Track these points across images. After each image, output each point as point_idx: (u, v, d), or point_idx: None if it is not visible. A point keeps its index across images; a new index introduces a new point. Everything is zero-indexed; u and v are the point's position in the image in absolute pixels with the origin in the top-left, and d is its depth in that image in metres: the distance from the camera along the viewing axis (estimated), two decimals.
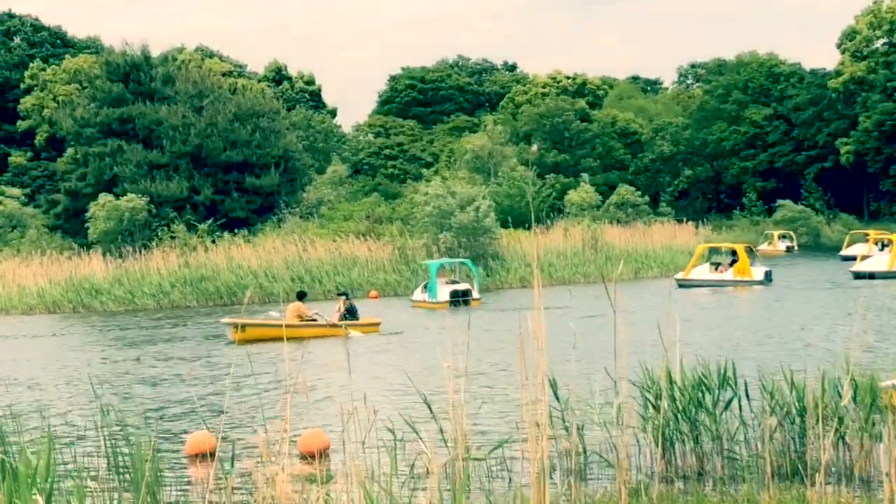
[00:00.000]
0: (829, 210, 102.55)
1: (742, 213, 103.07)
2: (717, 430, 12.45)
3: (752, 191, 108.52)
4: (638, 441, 12.78)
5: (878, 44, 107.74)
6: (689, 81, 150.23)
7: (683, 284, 50.99)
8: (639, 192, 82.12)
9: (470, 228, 54.06)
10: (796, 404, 12.46)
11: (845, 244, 72.93)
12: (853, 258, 66.17)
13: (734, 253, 54.13)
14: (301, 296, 36.00)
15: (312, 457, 14.08)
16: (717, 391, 12.70)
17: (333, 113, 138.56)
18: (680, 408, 12.56)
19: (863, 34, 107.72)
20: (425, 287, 46.71)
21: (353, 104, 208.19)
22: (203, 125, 66.23)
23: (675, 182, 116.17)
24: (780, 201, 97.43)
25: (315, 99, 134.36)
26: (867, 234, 74.44)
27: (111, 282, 53.67)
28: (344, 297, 36.41)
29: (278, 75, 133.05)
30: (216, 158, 66.09)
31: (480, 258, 54.68)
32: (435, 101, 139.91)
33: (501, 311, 40.55)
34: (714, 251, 57.84)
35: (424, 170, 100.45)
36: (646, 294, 44.62)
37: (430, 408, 12.80)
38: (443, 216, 54.63)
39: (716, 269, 53.15)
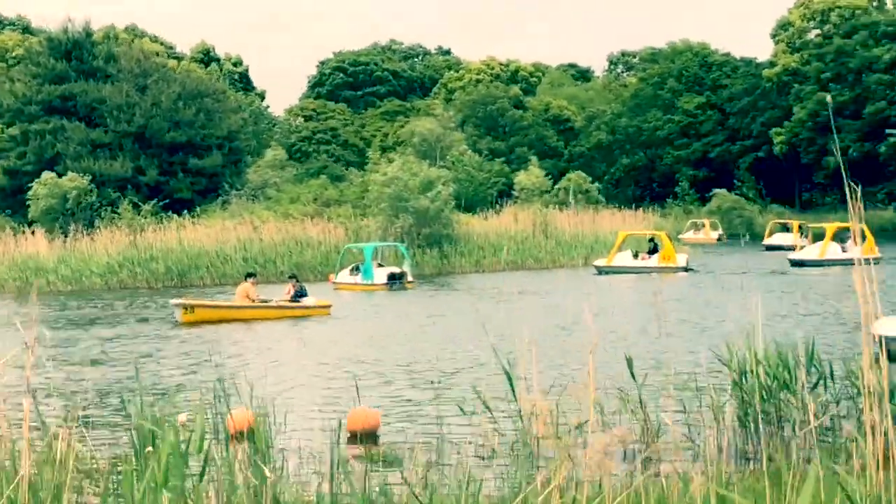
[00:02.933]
0: (761, 200, 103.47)
1: (675, 202, 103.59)
2: (805, 411, 12.05)
3: (685, 180, 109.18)
4: (718, 422, 12.44)
5: (812, 35, 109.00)
6: (619, 70, 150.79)
7: (604, 271, 51.18)
8: (590, 179, 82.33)
9: (429, 213, 53.69)
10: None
11: (767, 233, 73.68)
12: (777, 247, 67.27)
13: (653, 240, 54.64)
14: (250, 276, 35.41)
15: (362, 435, 13.65)
16: (791, 372, 12.29)
17: (262, 95, 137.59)
18: (765, 387, 12.14)
19: (796, 25, 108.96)
20: (354, 269, 46.66)
21: (283, 88, 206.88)
22: (147, 105, 65.10)
23: (612, 170, 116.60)
24: (714, 190, 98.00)
25: (243, 81, 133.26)
26: (787, 224, 75.58)
27: (56, 261, 52.43)
28: (294, 280, 36.01)
29: (206, 57, 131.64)
30: (161, 139, 65.11)
31: (436, 242, 54.46)
32: (366, 85, 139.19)
33: (469, 293, 40.29)
34: (653, 238, 57.99)
35: (373, 152, 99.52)
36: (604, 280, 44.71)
37: (510, 381, 12.40)
38: (399, 199, 54.12)
39: (637, 256, 53.51)
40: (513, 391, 12.26)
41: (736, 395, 12.29)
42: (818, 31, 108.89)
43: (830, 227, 56.08)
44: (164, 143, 65.47)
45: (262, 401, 11.85)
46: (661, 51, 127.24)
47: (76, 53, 68.06)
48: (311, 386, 19.36)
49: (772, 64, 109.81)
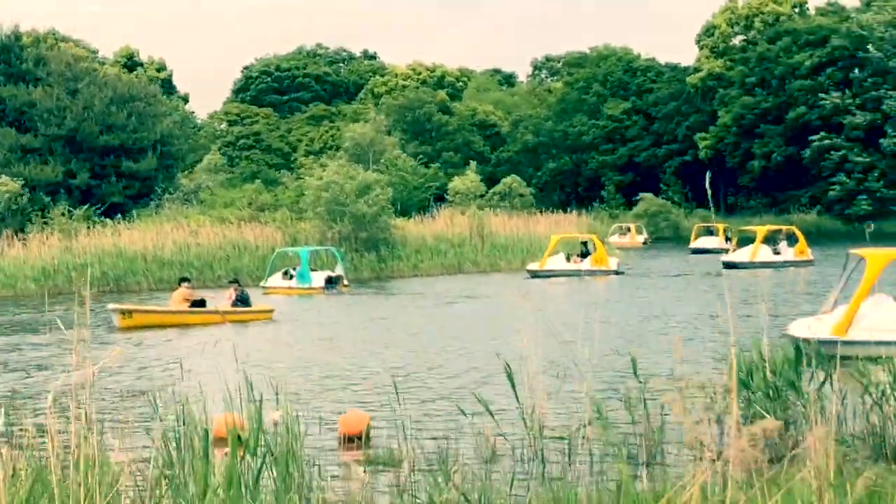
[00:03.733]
0: (687, 204, 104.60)
1: (601, 206, 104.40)
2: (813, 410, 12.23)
3: (611, 184, 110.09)
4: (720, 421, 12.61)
5: (736, 40, 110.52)
6: (543, 75, 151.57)
7: (537, 275, 51.58)
8: (525, 183, 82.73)
9: (367, 217, 53.70)
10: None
11: (693, 237, 74.52)
12: (703, 251, 68.23)
13: (585, 243, 55.18)
14: (184, 281, 35.17)
15: (355, 438, 13.68)
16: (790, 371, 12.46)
17: (186, 100, 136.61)
18: (772, 386, 12.33)
19: (721, 30, 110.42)
20: (286, 273, 46.63)
21: (207, 93, 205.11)
22: (79, 108, 64.36)
23: (539, 175, 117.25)
24: (641, 194, 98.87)
25: (166, 86, 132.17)
26: (712, 227, 76.56)
27: None
28: (235, 285, 35.81)
29: (130, 61, 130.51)
30: (92, 142, 64.36)
31: (374, 247, 54.50)
32: (291, 89, 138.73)
33: (412, 296, 40.42)
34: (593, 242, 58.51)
35: (300, 157, 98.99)
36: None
37: (513, 384, 12.51)
38: (336, 203, 54.07)
39: (569, 259, 54.00)
40: (514, 392, 12.37)
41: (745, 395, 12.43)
42: (743, 37, 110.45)
43: (761, 229, 56.94)
44: (97, 147, 64.76)
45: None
46: (586, 56, 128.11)
47: (4, 57, 67.14)
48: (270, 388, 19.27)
49: (696, 69, 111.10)
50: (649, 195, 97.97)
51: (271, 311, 34.65)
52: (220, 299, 34.78)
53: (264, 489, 7.69)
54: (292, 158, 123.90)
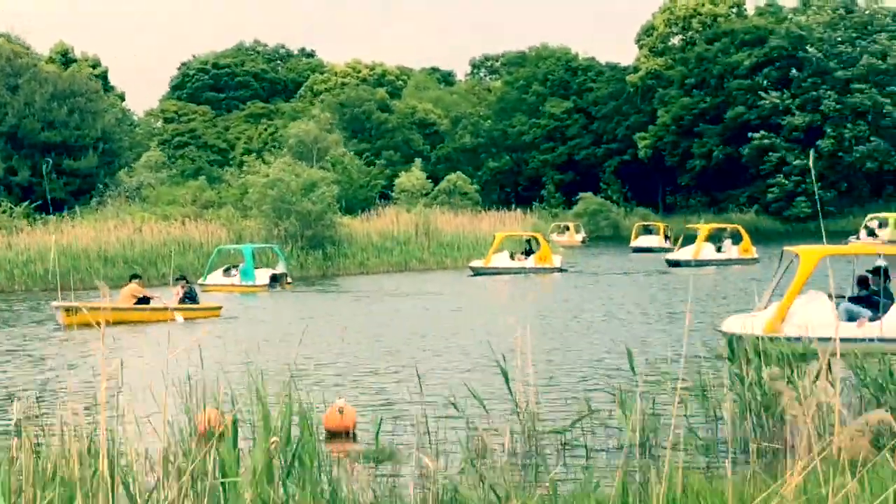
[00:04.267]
0: (626, 203, 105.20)
1: (541, 205, 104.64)
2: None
3: (551, 183, 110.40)
4: (716, 415, 12.64)
5: (675, 40, 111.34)
6: (482, 74, 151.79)
7: (481, 272, 51.70)
8: (469, 180, 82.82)
9: (313, 215, 53.48)
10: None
11: (633, 236, 74.95)
12: (643, 249, 68.77)
13: (529, 241, 55.37)
14: (134, 277, 34.77)
15: (340, 433, 13.56)
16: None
17: (121, 97, 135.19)
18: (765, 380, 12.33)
19: (659, 30, 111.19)
20: (228, 270, 46.48)
21: (143, 90, 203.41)
22: (20, 104, 63.51)
23: (479, 174, 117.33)
24: (581, 193, 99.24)
25: (102, 82, 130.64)
26: (651, 226, 77.19)
27: None
28: (183, 281, 35.49)
29: (64, 58, 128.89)
30: (34, 139, 63.52)
31: (320, 245, 54.33)
32: (229, 87, 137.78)
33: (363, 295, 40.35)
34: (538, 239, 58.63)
35: (238, 155, 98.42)
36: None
37: (506, 378, 12.46)
38: (282, 201, 53.81)
39: (513, 257, 54.21)
40: (508, 387, 12.31)
41: (736, 389, 12.44)
42: (681, 37, 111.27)
43: (705, 228, 57.33)
44: (37, 143, 63.96)
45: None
46: (525, 55, 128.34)
47: None
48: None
49: (636, 69, 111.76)
50: (589, 194, 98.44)
51: (219, 308, 34.35)
52: (168, 296, 34.50)
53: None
54: (230, 156, 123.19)
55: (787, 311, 20.30)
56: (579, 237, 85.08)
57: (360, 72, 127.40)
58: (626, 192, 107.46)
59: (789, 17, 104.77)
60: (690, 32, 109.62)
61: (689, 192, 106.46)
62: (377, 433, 10.03)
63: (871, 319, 20.24)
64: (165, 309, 32.70)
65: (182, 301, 34.05)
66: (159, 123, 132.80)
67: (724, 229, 59.70)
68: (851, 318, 20.66)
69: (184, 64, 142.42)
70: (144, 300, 33.36)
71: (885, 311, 20.19)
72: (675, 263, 54.22)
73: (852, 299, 21.35)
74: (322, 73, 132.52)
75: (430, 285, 45.01)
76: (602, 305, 33.35)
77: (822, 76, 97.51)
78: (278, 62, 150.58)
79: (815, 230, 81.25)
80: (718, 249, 55.90)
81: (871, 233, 66.78)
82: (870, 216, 74.89)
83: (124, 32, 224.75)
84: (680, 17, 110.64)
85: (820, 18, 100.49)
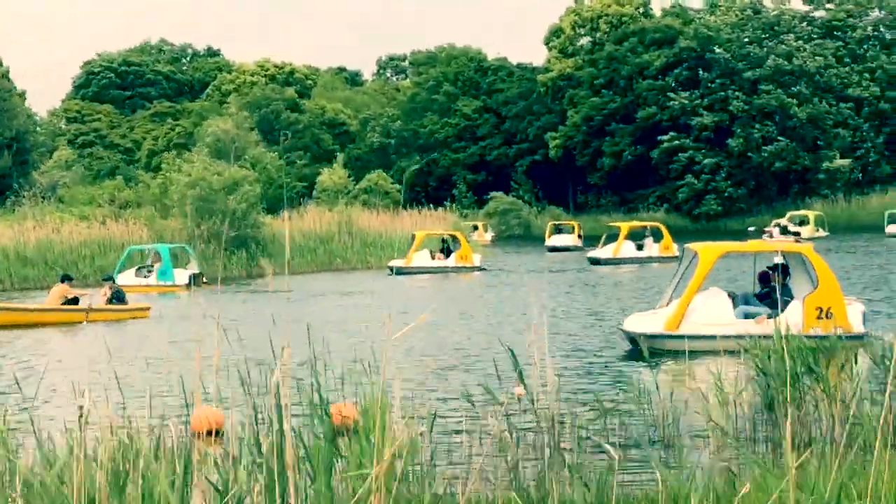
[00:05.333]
0: (537, 202, 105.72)
1: (453, 205, 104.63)
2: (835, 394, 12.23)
3: (462, 182, 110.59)
4: (737, 407, 12.70)
5: (583, 41, 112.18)
6: (388, 74, 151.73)
7: (401, 271, 51.73)
8: (391, 181, 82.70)
9: (237, 214, 53.07)
10: None
11: (547, 235, 75.38)
12: (559, 248, 69.36)
13: (455, 239, 55.55)
14: (66, 279, 34.18)
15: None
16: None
17: (23, 96, 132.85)
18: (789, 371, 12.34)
19: (567, 32, 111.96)
20: (141, 270, 46.19)
21: (45, 89, 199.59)
22: None
23: (389, 173, 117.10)
24: (492, 193, 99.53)
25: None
26: (564, 225, 77.82)
27: None
28: (110, 282, 35.05)
29: None
30: None
31: (244, 244, 53.90)
32: (134, 86, 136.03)
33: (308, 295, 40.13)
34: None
35: (148, 157, 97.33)
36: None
37: (521, 375, 12.40)
38: (205, 200, 53.30)
39: (434, 256, 54.38)
40: (523, 381, 12.23)
41: (759, 382, 12.50)
42: (589, 38, 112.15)
43: (625, 225, 57.88)
44: None
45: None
46: (436, 55, 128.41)
47: None
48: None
49: (546, 69, 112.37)
50: (500, 193, 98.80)
51: (148, 308, 33.90)
52: (95, 297, 33.97)
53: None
54: (136, 156, 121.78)
55: (687, 308, 20.55)
56: (488, 236, 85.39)
57: (268, 70, 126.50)
58: (537, 192, 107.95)
59: (697, 17, 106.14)
60: (598, 33, 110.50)
61: (600, 191, 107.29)
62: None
63: (770, 316, 20.62)
64: (89, 310, 32.29)
65: (110, 301, 33.56)
66: (62, 123, 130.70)
67: (646, 227, 60.27)
68: (749, 315, 21.04)
69: (88, 63, 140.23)
70: (73, 301, 32.84)
71: (783, 308, 20.44)
72: (595, 261, 54.65)
73: (756, 296, 21.71)
74: (230, 73, 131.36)
75: (360, 284, 44.85)
76: (539, 304, 33.40)
77: (730, 77, 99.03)
78: (184, 61, 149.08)
79: (725, 228, 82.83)
80: (640, 247, 56.43)
81: (785, 230, 67.88)
82: (789, 214, 76.33)
83: (25, 31, 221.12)
84: (587, 18, 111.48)
85: (727, 19, 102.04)
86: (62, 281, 33.67)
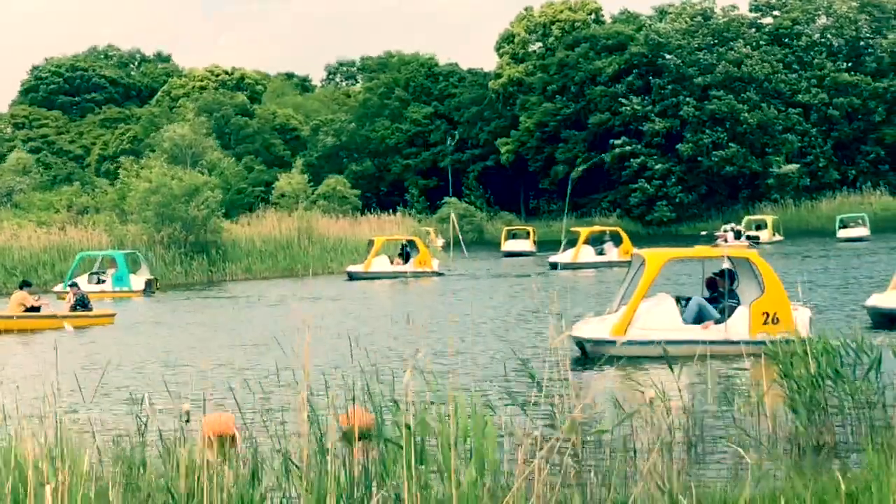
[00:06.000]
0: (489, 208, 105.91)
1: (405, 210, 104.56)
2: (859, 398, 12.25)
3: (414, 188, 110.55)
4: (759, 411, 12.78)
5: (535, 47, 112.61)
6: (338, 79, 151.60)
7: (358, 277, 51.84)
8: (349, 185, 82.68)
9: (198, 220, 52.98)
10: None
11: (503, 240, 75.64)
12: (515, 253, 69.63)
13: (413, 244, 55.72)
14: (25, 285, 33.91)
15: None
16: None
17: None
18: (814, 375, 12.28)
19: (519, 38, 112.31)
20: (94, 276, 46.12)
21: None
22: None
23: (341, 178, 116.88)
24: (445, 198, 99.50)
25: None
26: (519, 231, 78.15)
27: None
28: (74, 288, 34.89)
29: None
30: None
31: (204, 250, 53.86)
32: (83, 90, 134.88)
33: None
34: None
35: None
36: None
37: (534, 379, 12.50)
38: (164, 206, 53.17)
39: (392, 261, 54.60)
40: (538, 383, 12.29)
41: (787, 384, 12.56)
42: (540, 44, 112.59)
43: (585, 230, 58.24)
44: None
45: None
46: (387, 61, 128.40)
47: None
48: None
49: (497, 75, 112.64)
50: (453, 199, 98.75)
51: (113, 314, 33.77)
52: (58, 304, 33.78)
53: None
54: (85, 162, 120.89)
55: (634, 314, 20.76)
56: (440, 242, 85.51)
57: (219, 76, 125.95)
58: (489, 197, 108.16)
59: (647, 24, 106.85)
60: (550, 39, 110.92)
61: (552, 196, 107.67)
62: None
63: (717, 322, 20.88)
64: (55, 317, 32.07)
65: (74, 308, 33.36)
66: (9, 129, 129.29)
67: (605, 232, 60.65)
68: (703, 310, 21.32)
69: (35, 67, 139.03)
70: (35, 310, 32.49)
71: (730, 314, 20.76)
72: (555, 266, 54.95)
73: (707, 300, 21.93)
74: (180, 77, 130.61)
75: (325, 290, 44.86)
76: (499, 308, 33.51)
77: (681, 83, 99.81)
78: (131, 67, 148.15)
79: (676, 233, 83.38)
80: (599, 252, 56.76)
81: (739, 235, 68.42)
82: (746, 218, 77.00)
83: None
84: (539, 23, 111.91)
85: (678, 26, 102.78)
86: (21, 287, 33.36)
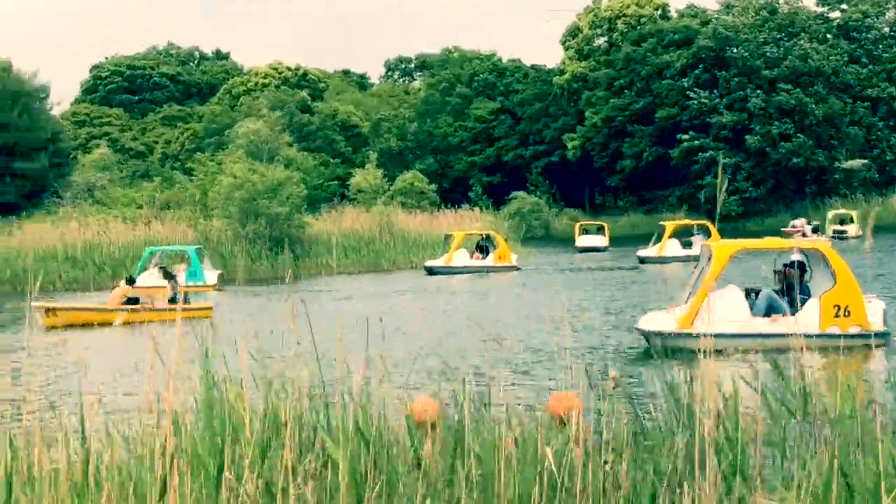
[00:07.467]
0: (554, 203, 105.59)
1: (469, 207, 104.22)
2: None
3: (478, 184, 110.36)
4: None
5: (600, 42, 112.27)
6: (395, 76, 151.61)
7: (437, 271, 51.70)
8: (427, 180, 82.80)
9: (281, 216, 53.08)
10: None
11: (577, 235, 75.22)
12: (590, 249, 69.24)
13: (490, 238, 55.59)
14: (131, 281, 34.21)
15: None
16: None
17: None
18: None
19: (584, 33, 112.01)
20: (163, 271, 46.02)
21: (52, 93, 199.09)
22: None
23: (418, 173, 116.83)
24: (513, 193, 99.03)
25: None
26: (592, 226, 77.77)
27: None
28: (172, 281, 35.00)
29: None
30: None
31: (288, 245, 53.92)
32: (143, 89, 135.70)
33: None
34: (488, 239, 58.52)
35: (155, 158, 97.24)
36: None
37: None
38: (248, 201, 53.29)
39: (475, 255, 54.44)
40: (590, 385, 11.90)
41: None
42: (605, 39, 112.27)
43: (671, 224, 57.95)
44: None
45: None
46: (448, 57, 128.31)
47: None
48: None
49: (561, 71, 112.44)
50: (522, 193, 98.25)
51: (210, 307, 33.78)
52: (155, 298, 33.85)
53: None
54: (148, 159, 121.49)
55: (700, 306, 20.27)
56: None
57: (281, 73, 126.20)
58: (554, 193, 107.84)
59: (714, 18, 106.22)
60: (615, 34, 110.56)
61: (618, 192, 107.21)
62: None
63: (789, 314, 20.44)
64: (156, 310, 32.18)
65: (172, 301, 33.45)
66: (71, 128, 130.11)
67: (693, 226, 60.35)
68: (773, 304, 20.89)
69: (96, 66, 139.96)
70: (134, 301, 32.78)
71: (801, 306, 20.31)
72: (643, 260, 54.85)
73: (777, 293, 21.51)
74: (240, 76, 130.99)
75: (406, 284, 44.79)
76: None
77: (748, 76, 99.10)
78: (191, 65, 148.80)
79: (744, 229, 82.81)
80: (687, 245, 56.34)
81: (816, 229, 67.78)
82: (832, 213, 76.23)
83: (33, 34, 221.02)
84: (605, 18, 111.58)
85: (744, 20, 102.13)
86: (127, 283, 33.71)
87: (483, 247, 55.32)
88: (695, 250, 55.76)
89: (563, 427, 7.31)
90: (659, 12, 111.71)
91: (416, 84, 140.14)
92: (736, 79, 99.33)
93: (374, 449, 6.25)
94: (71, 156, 71.48)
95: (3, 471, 6.40)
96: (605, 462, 6.50)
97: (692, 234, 57.97)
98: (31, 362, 19.75)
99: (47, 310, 31.10)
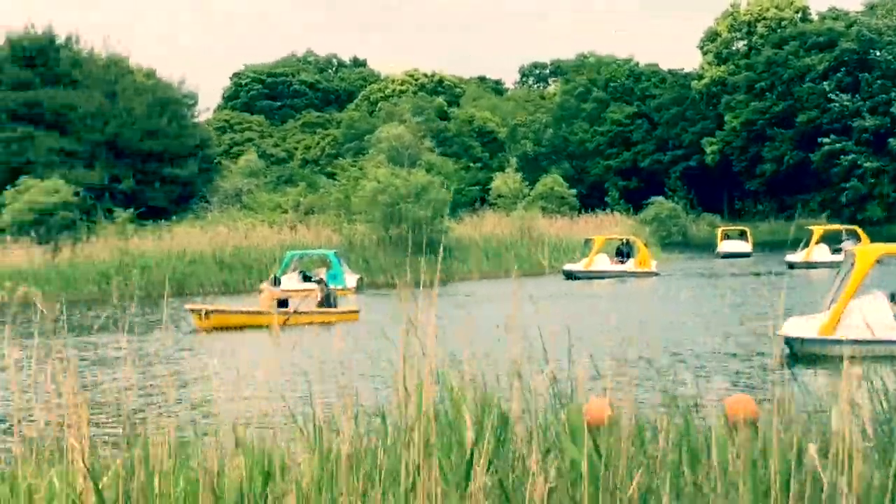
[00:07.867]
0: (692, 209, 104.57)
1: (605, 212, 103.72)
2: None
3: (614, 189, 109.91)
4: None
5: (739, 45, 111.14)
6: (530, 82, 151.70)
7: (576, 276, 51.47)
8: (567, 184, 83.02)
9: (425, 220, 53.53)
10: None
11: (719, 240, 74.37)
12: (732, 254, 68.37)
13: (630, 243, 55.22)
14: (276, 282, 34.92)
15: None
16: None
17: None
18: None
19: (723, 36, 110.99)
20: (302, 275, 46.70)
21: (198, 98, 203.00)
22: (120, 112, 63.81)
23: (558, 178, 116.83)
24: (652, 198, 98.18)
25: None
26: (734, 231, 76.79)
27: (47, 270, 50.88)
28: (321, 284, 35.48)
29: (118, 67, 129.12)
30: (135, 147, 63.82)
31: (431, 249, 54.23)
32: (283, 97, 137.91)
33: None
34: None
35: (294, 164, 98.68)
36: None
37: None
38: (391, 205, 53.86)
39: (615, 260, 54.23)
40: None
41: None
42: (744, 42, 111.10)
43: (818, 229, 57.21)
44: (139, 151, 64.32)
45: None
46: (584, 62, 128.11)
47: (40, 59, 66.18)
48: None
49: (700, 76, 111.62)
50: (660, 199, 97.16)
51: (357, 311, 34.17)
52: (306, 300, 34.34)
53: None
54: (289, 165, 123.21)
55: (843, 312, 19.93)
56: None
57: (418, 80, 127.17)
58: (692, 198, 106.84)
59: (857, 20, 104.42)
60: (755, 37, 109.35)
61: (757, 197, 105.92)
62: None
63: None
64: (299, 313, 32.64)
65: (321, 304, 33.94)
66: (213, 133, 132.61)
67: (842, 231, 59.49)
68: None
69: (236, 74, 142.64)
70: (283, 303, 33.39)
71: None
72: (792, 265, 54.23)
73: None
74: (378, 83, 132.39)
75: (551, 289, 44.71)
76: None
77: (891, 79, 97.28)
78: (329, 72, 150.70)
79: (887, 234, 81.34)
80: (836, 251, 55.51)
81: None
82: None
83: (175, 43, 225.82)
84: (744, 21, 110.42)
85: (889, 22, 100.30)
86: (274, 285, 34.46)
87: (623, 252, 55.12)
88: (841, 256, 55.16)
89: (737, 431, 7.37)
90: (799, 15, 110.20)
91: (551, 89, 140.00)
92: (879, 81, 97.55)
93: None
94: (216, 161, 72.78)
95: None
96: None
97: (841, 240, 56.96)
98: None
99: (199, 312, 31.78)
